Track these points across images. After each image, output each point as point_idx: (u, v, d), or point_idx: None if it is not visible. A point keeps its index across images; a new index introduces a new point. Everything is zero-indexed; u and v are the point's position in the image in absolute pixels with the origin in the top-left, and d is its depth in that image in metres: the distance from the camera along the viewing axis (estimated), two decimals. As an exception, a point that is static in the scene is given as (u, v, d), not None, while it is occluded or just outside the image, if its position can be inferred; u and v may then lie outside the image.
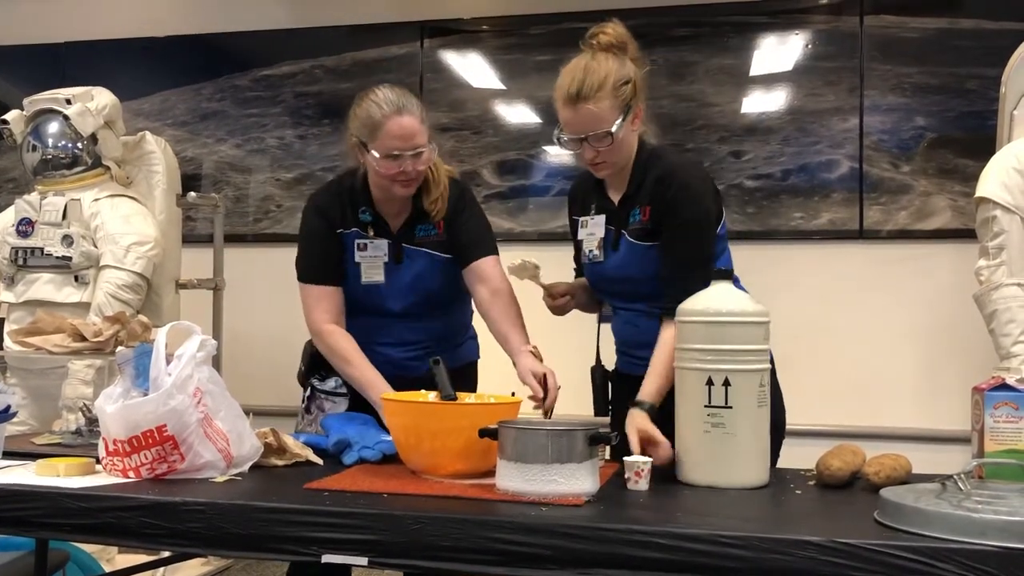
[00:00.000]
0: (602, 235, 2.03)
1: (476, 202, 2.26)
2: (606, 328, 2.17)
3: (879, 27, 3.77)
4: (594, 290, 2.15)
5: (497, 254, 2.17)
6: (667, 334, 1.87)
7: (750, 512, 1.52)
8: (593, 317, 2.25)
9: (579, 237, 2.10)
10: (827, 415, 3.55)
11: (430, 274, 2.17)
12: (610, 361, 2.18)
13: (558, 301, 2.16)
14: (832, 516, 1.52)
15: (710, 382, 1.68)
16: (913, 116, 3.73)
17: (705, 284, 1.80)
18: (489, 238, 2.20)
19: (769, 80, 3.87)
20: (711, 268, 1.84)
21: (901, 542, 1.27)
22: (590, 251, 2.05)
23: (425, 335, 2.17)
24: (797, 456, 2.00)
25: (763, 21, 3.87)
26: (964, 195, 3.58)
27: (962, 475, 1.39)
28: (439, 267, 2.17)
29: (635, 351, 2.04)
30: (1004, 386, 1.55)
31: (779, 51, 3.88)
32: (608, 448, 1.85)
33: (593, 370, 2.16)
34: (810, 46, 3.84)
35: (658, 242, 1.95)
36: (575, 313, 2.22)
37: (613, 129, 1.90)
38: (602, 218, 2.04)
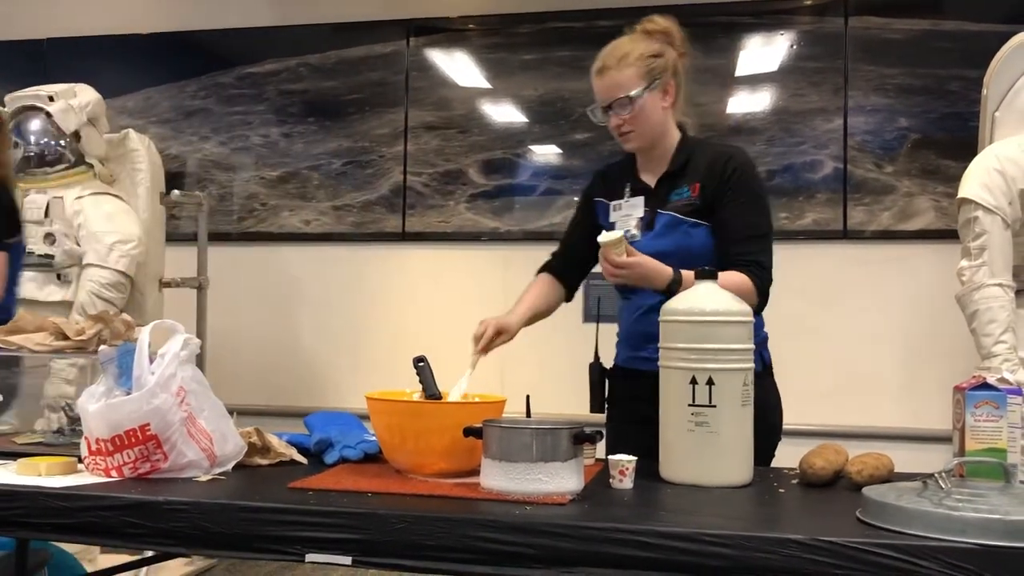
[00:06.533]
0: (640, 215, 2.05)
1: None
2: (604, 327, 2.16)
3: (863, 28, 3.79)
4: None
5: None
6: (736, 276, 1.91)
7: (733, 511, 1.52)
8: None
9: (611, 219, 2.10)
10: (810, 414, 3.57)
11: None
12: (607, 359, 2.18)
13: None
14: (815, 514, 1.53)
15: (694, 381, 1.69)
16: (896, 117, 3.75)
17: (769, 258, 1.96)
18: None
19: (754, 80, 3.89)
20: (771, 245, 1.98)
21: (883, 540, 1.28)
22: (626, 231, 2.04)
23: None
24: (780, 455, 2.01)
25: (748, 21, 3.89)
26: (947, 196, 3.61)
27: (943, 474, 1.40)
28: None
29: (645, 345, 2.03)
30: (985, 385, 1.56)
31: (764, 51, 3.89)
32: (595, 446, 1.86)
33: (591, 367, 2.15)
34: (795, 47, 3.86)
35: (705, 221, 1.98)
36: (569, 312, 2.21)
37: (633, 94, 1.96)
38: (640, 200, 2.06)
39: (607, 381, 2.15)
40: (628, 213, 2.07)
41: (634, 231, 2.04)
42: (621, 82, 1.97)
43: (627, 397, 2.11)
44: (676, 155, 2.05)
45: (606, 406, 2.15)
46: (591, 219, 2.17)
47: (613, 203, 2.11)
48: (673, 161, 2.05)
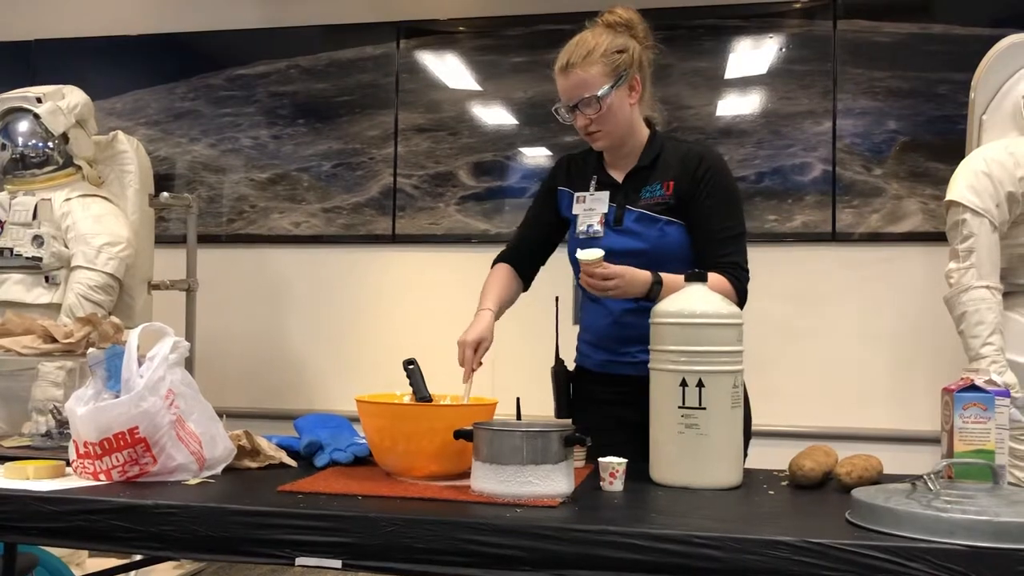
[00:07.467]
0: (604, 211, 2.02)
1: None
2: (567, 328, 2.15)
3: (852, 31, 3.81)
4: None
5: None
6: (714, 278, 1.88)
7: (723, 512, 1.53)
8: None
9: (574, 212, 2.07)
10: (799, 416, 3.58)
11: None
12: (570, 360, 2.14)
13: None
14: (804, 516, 1.53)
15: (684, 383, 1.69)
16: (885, 120, 3.77)
17: (745, 256, 1.95)
18: None
19: (743, 83, 3.90)
20: (745, 243, 1.98)
21: (872, 542, 1.29)
22: (589, 226, 2.02)
23: None
24: (770, 457, 2.01)
25: (737, 25, 3.90)
26: (935, 198, 3.62)
27: (932, 475, 1.41)
28: None
29: (622, 349, 2.01)
30: (973, 387, 1.57)
31: (753, 55, 3.90)
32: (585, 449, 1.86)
33: (554, 370, 2.10)
34: (784, 50, 3.87)
35: (679, 219, 1.97)
36: (561, 315, 2.19)
37: (600, 93, 1.93)
38: (605, 194, 2.04)
39: (571, 384, 2.11)
40: (592, 207, 2.04)
41: (597, 226, 2.01)
42: (587, 80, 1.93)
43: (603, 401, 2.06)
44: (645, 151, 2.03)
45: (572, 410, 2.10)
46: (553, 208, 2.14)
47: (577, 194, 2.08)
48: (642, 157, 2.03)
